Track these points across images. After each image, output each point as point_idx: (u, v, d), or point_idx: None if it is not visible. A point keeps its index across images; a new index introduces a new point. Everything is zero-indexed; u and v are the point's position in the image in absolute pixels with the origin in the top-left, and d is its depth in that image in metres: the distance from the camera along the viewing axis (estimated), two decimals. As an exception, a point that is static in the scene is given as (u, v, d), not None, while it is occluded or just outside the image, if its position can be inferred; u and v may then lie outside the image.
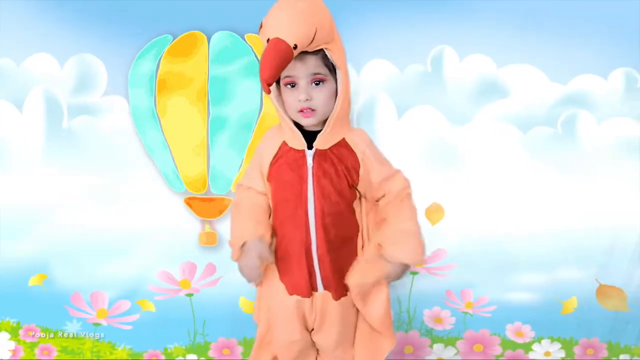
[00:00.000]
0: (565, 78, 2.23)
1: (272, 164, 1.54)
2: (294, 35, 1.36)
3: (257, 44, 2.17)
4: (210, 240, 2.25)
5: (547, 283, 2.27)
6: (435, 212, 2.23)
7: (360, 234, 1.62)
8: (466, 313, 2.27)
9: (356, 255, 1.61)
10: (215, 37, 2.18)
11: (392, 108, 2.21)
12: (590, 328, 2.27)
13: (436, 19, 2.22)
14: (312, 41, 1.39)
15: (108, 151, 2.24)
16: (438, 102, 2.24)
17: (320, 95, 1.47)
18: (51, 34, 2.17)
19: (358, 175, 1.53)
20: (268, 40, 1.37)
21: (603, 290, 2.28)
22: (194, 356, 2.28)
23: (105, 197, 2.24)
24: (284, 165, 1.53)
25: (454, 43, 2.23)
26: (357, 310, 1.63)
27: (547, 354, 2.28)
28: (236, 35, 2.17)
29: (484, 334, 2.28)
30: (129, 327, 2.27)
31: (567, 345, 2.28)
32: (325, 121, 1.51)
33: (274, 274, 1.61)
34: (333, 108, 1.48)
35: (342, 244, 1.56)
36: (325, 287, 1.57)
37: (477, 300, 2.27)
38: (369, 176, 1.55)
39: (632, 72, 2.23)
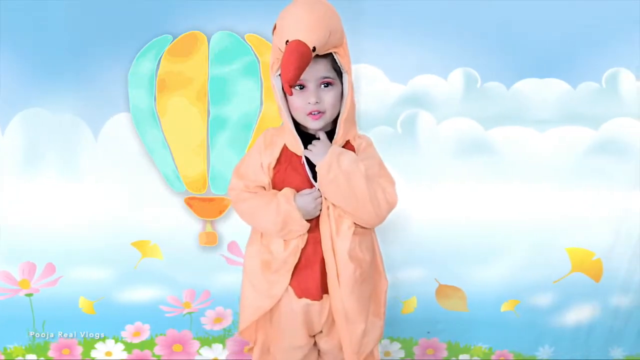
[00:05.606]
0: (405, 78, 2.23)
1: (275, 167, 1.53)
2: (313, 37, 1.38)
3: (257, 44, 2.16)
4: (210, 240, 2.25)
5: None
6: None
7: None
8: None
9: None
10: (215, 37, 2.16)
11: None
12: (430, 328, 2.28)
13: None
14: (325, 44, 1.41)
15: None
16: (277, 103, 2.24)
17: (328, 98, 1.48)
18: None
19: None
20: (287, 42, 1.38)
21: (442, 290, 2.29)
22: (34, 356, 2.27)
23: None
24: (290, 170, 1.52)
25: (293, 42, 2.22)
26: None
27: (387, 353, 2.29)
28: (236, 35, 2.16)
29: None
30: (-31, 328, 2.26)
31: (407, 344, 2.29)
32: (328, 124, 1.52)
33: None
34: (339, 111, 1.50)
35: None
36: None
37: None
38: None
39: (472, 72, 2.22)
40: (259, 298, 1.56)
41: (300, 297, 1.53)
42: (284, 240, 1.53)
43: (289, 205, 1.48)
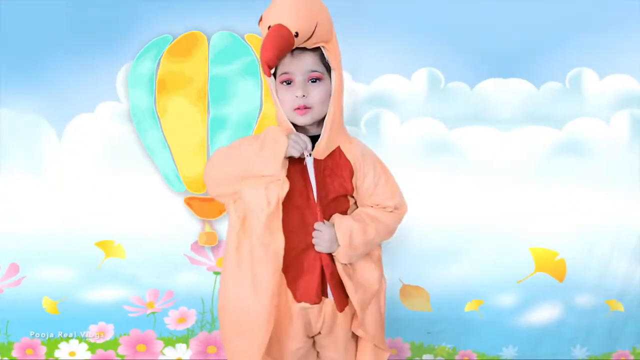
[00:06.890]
0: (368, 78, 2.22)
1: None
2: (295, 22, 1.37)
3: (257, 44, 2.15)
4: (210, 240, 2.25)
5: (351, 283, 2.27)
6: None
7: None
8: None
9: None
10: (215, 37, 2.16)
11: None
12: (396, 328, 2.28)
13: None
14: (312, 35, 1.40)
15: None
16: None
17: (316, 93, 1.46)
18: None
19: (352, 184, 1.52)
20: (269, 27, 1.38)
21: (406, 290, 2.29)
22: (-3, 356, 2.28)
23: None
24: (294, 172, 1.47)
25: (257, 42, 2.23)
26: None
27: (351, 353, 2.28)
28: (236, 35, 2.16)
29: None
30: None
31: (371, 344, 2.29)
32: (320, 124, 1.49)
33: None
34: (327, 110, 1.48)
35: None
36: (333, 293, 1.51)
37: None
38: (363, 183, 1.53)
39: (435, 72, 2.22)
40: (255, 300, 1.46)
41: (299, 301, 1.51)
42: (267, 199, 1.42)
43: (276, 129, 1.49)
